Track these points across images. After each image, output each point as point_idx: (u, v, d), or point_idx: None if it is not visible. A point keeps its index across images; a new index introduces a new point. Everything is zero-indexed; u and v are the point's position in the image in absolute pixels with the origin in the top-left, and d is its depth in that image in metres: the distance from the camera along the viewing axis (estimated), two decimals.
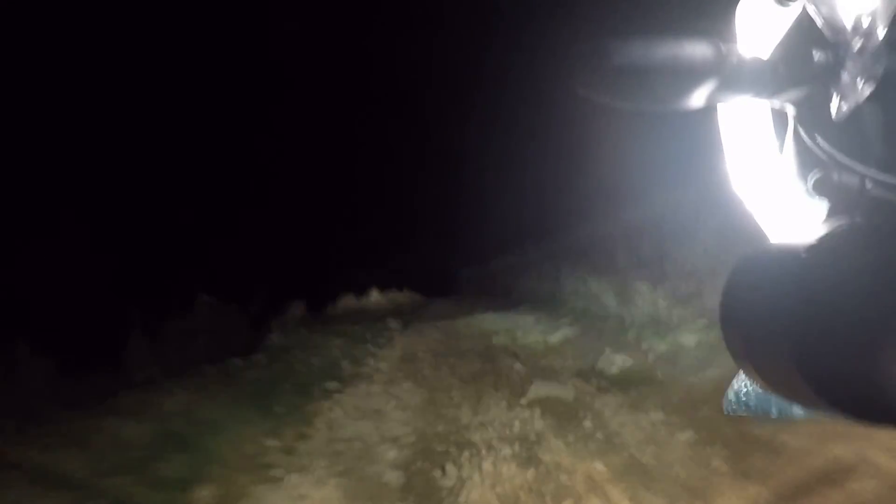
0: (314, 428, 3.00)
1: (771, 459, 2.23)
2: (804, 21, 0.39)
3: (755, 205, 0.47)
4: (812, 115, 0.38)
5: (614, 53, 0.36)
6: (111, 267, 7.63)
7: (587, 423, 2.86)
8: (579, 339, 5.13)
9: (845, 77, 0.35)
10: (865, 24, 0.34)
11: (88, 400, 4.14)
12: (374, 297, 12.08)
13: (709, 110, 0.44)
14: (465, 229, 14.32)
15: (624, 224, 6.56)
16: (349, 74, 13.74)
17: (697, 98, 0.37)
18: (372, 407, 3.43)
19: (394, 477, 2.36)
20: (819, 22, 0.36)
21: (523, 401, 3.42)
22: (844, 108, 0.35)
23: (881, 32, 0.34)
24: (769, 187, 0.46)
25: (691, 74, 0.36)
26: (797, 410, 0.49)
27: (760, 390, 0.51)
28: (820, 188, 0.37)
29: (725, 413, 0.55)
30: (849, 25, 0.35)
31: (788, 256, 0.31)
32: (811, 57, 0.36)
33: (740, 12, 0.45)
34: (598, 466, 2.25)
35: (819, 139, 0.37)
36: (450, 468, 2.42)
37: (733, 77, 0.37)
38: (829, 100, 0.36)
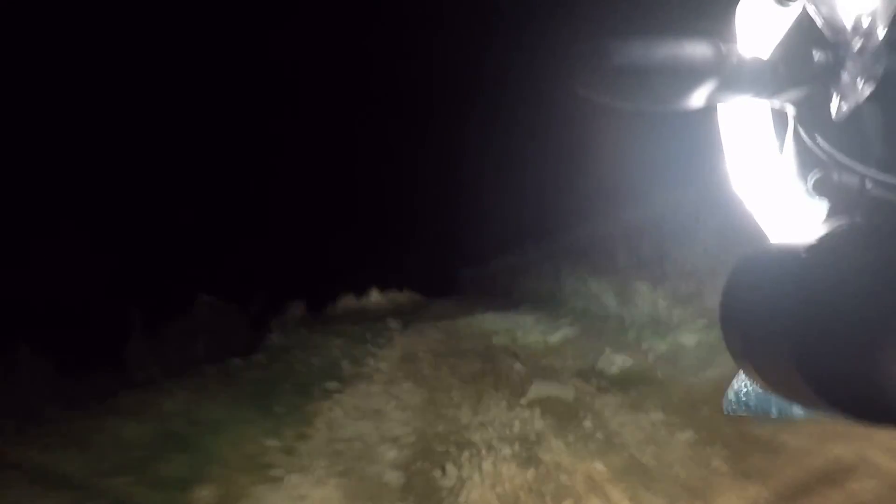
0: (314, 428, 3.00)
1: (771, 459, 2.23)
2: (804, 21, 0.39)
3: (755, 205, 0.47)
4: (812, 115, 0.38)
5: (614, 53, 0.36)
6: (111, 266, 7.63)
7: (587, 423, 2.86)
8: (579, 339, 5.13)
9: (845, 77, 0.35)
10: (865, 24, 0.34)
11: (88, 400, 4.14)
12: (374, 297, 12.07)
13: (709, 110, 0.44)
14: (466, 229, 14.33)
15: (624, 224, 6.56)
16: (349, 74, 13.73)
17: (697, 98, 0.37)
18: (372, 407, 3.43)
19: (394, 477, 2.36)
20: (819, 22, 0.36)
21: (523, 401, 3.42)
22: (844, 108, 0.35)
23: (881, 32, 0.34)
24: (769, 187, 0.46)
25: (691, 74, 0.36)
26: (797, 410, 0.49)
27: (760, 390, 0.51)
28: (820, 188, 0.37)
29: (725, 413, 0.55)
30: (849, 25, 0.35)
31: (788, 256, 0.31)
32: (811, 57, 0.36)
33: (740, 12, 0.45)
34: (598, 466, 2.25)
35: (819, 139, 0.37)
36: (450, 468, 2.42)
37: (733, 77, 0.37)
38: (830, 100, 0.36)
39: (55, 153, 7.97)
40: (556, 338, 5.43)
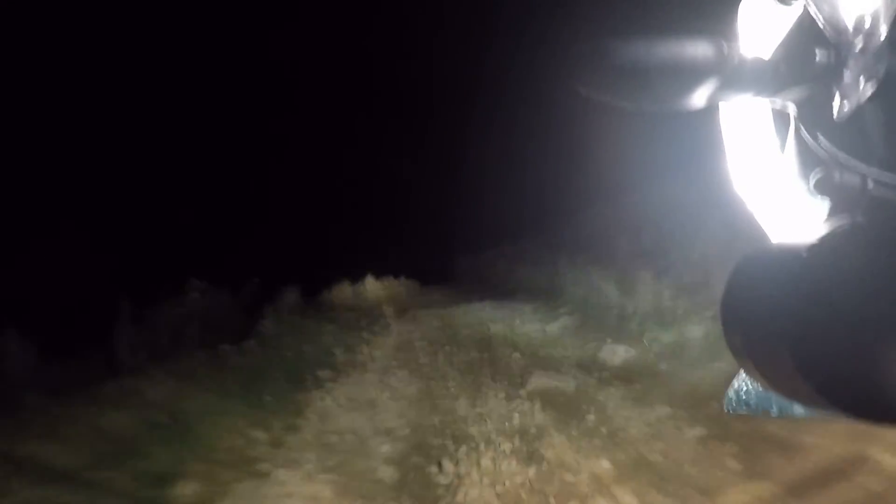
0: (304, 419, 2.85)
1: (786, 457, 2.11)
2: (806, 20, 0.39)
3: (756, 204, 0.47)
4: (814, 114, 0.38)
5: (615, 53, 0.36)
6: (99, 250, 7.43)
7: (590, 417, 2.73)
8: (579, 330, 5.01)
9: (847, 76, 0.35)
10: (867, 24, 0.34)
11: (70, 388, 3.99)
12: (370, 284, 11.93)
13: (711, 109, 0.44)
14: (463, 217, 14.19)
15: (625, 213, 6.43)
16: (349, 72, 13.55)
17: (699, 98, 0.37)
18: (365, 397, 3.29)
19: (387, 473, 2.22)
20: (820, 21, 0.36)
21: (523, 392, 3.30)
22: (846, 107, 0.35)
23: (883, 32, 0.34)
24: (771, 187, 0.45)
25: (692, 74, 0.36)
26: (798, 409, 0.49)
27: (761, 389, 0.51)
28: (821, 188, 0.36)
29: (726, 411, 0.55)
30: (850, 25, 0.35)
31: (790, 256, 0.31)
32: (813, 56, 0.36)
33: (742, 12, 0.44)
34: (605, 464, 2.12)
35: (821, 139, 0.37)
36: (446, 464, 2.29)
37: (734, 77, 0.37)
38: (831, 99, 0.36)
39: (37, 135, 7.71)
40: (554, 327, 5.30)
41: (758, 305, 0.32)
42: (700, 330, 3.59)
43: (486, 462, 2.29)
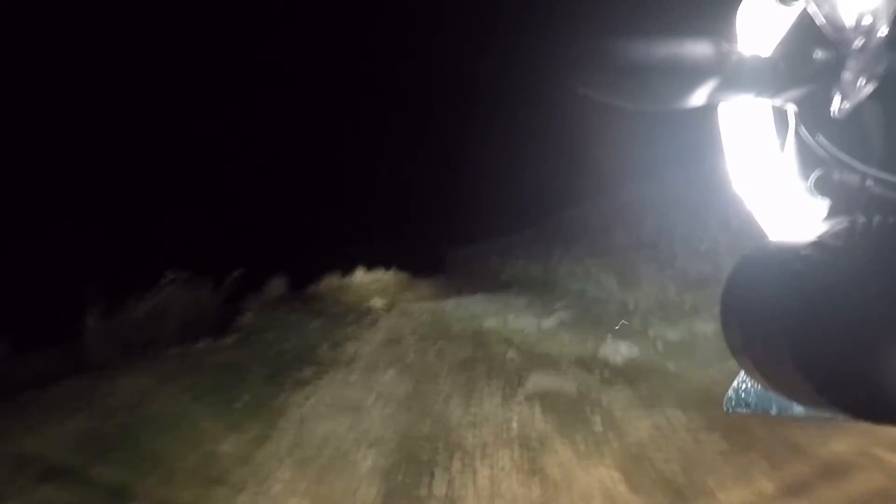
0: (278, 428, 2.56)
1: (821, 473, 1.88)
2: (805, 20, 0.39)
3: (756, 203, 0.47)
4: (813, 113, 0.38)
5: (615, 53, 0.36)
6: (72, 239, 7.05)
7: (596, 424, 2.48)
8: (577, 325, 4.76)
9: (847, 76, 0.35)
10: (867, 23, 0.34)
11: (27, 387, 3.67)
12: (360, 276, 11.60)
13: (711, 107, 0.42)
14: (456, 209, 13.94)
15: (624, 202, 6.19)
16: (348, 70, 13.31)
17: (698, 97, 0.37)
18: (349, 400, 3.01)
19: (370, 494, 1.94)
20: (820, 21, 0.36)
21: (520, 393, 3.04)
22: (846, 106, 0.35)
23: (882, 31, 0.34)
24: (770, 186, 0.45)
25: (692, 73, 0.36)
26: (797, 409, 0.49)
27: (761, 388, 0.50)
28: (821, 187, 0.37)
29: (725, 411, 0.55)
30: (850, 24, 0.35)
31: (789, 255, 0.31)
32: (812, 56, 0.36)
33: (742, 12, 0.44)
34: (620, 487, 1.86)
35: (820, 138, 0.38)
36: (438, 482, 2.01)
37: (734, 76, 0.37)
38: (831, 98, 0.36)
39: (10, 122, 7.27)
40: (550, 322, 5.05)
41: (757, 305, 0.32)
42: (710, 326, 3.35)
43: (482, 478, 2.02)
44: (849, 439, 1.96)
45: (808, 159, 0.39)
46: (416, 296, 8.19)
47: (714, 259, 3.69)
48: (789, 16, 0.41)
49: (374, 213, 14.50)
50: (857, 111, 0.35)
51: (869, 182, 0.35)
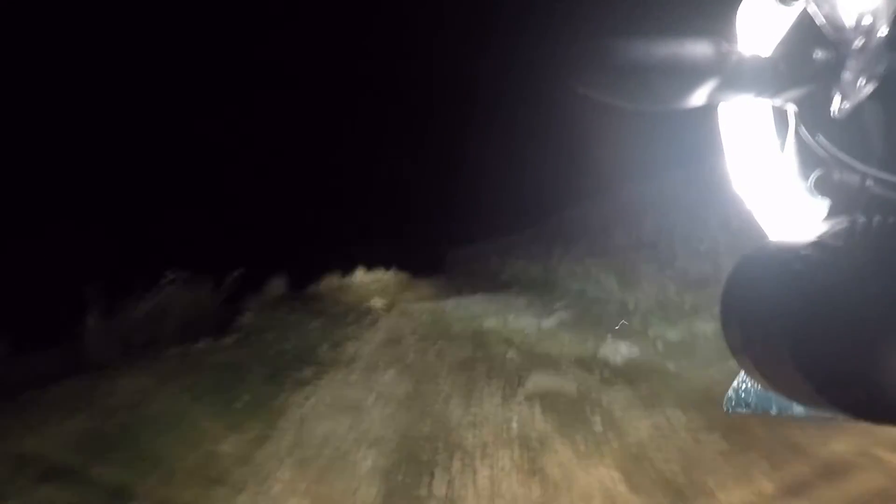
0: (278, 428, 2.56)
1: (821, 473, 1.87)
2: (805, 20, 0.39)
3: (756, 203, 0.47)
4: (813, 113, 0.38)
5: (615, 53, 0.36)
6: (73, 239, 7.04)
7: (596, 424, 2.48)
8: (577, 325, 4.76)
9: (846, 76, 0.35)
10: (867, 23, 0.34)
11: (27, 387, 3.67)
12: (360, 275, 11.59)
13: (711, 107, 0.43)
14: (456, 209, 13.93)
15: (624, 202, 6.19)
16: (348, 69, 13.32)
17: (698, 97, 0.37)
18: (349, 400, 3.01)
19: (370, 494, 1.95)
20: (820, 20, 0.36)
21: (520, 393, 3.04)
22: (846, 106, 0.35)
23: (882, 31, 0.34)
24: (770, 186, 0.45)
25: (692, 73, 0.36)
26: (797, 409, 0.49)
27: (761, 388, 0.50)
28: (821, 187, 0.37)
29: (725, 411, 0.55)
30: (850, 24, 0.35)
31: (789, 255, 0.31)
32: (812, 56, 0.36)
33: (742, 12, 0.44)
34: (620, 486, 1.86)
35: (820, 138, 0.38)
36: (438, 482, 2.01)
37: (734, 76, 0.37)
38: (831, 98, 0.36)
39: (8, 123, 7.26)
40: (550, 322, 5.05)
41: (757, 305, 0.32)
42: (710, 326, 3.35)
43: (482, 478, 2.02)
44: (849, 439, 1.95)
45: (808, 159, 0.39)
46: (416, 296, 8.19)
47: (714, 259, 3.69)
48: (789, 16, 0.41)
49: (374, 213, 14.48)
50: (857, 111, 0.35)
51: (869, 182, 0.34)
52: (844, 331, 0.28)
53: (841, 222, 0.32)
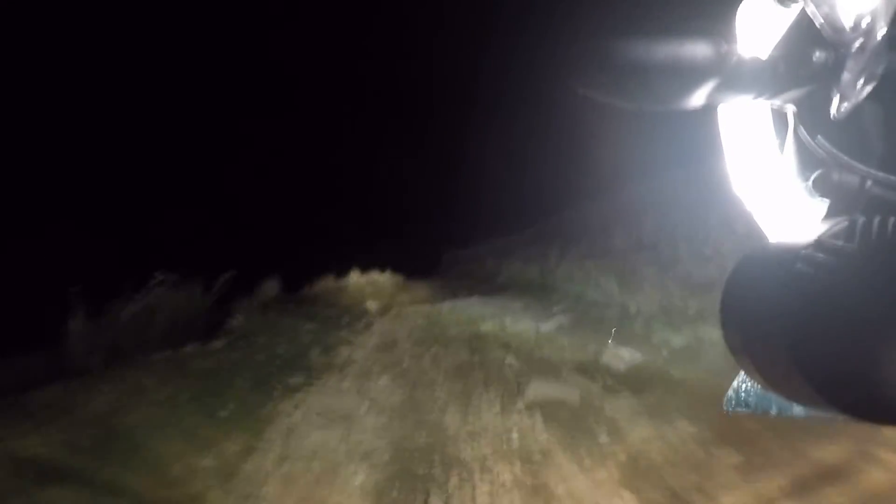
0: (265, 440, 2.41)
1: (821, 473, 1.77)
2: (804, 21, 0.38)
3: (755, 204, 0.47)
4: (812, 114, 0.38)
5: (614, 53, 0.36)
6: (58, 239, 6.87)
7: (602, 436, 2.35)
8: (576, 329, 4.63)
9: (845, 76, 0.35)
10: (865, 24, 0.34)
11: (9, 393, 3.49)
12: (355, 278, 11.44)
13: (711, 107, 0.42)
14: (452, 211, 13.84)
15: (624, 203, 6.08)
16: (347, 70, 13.25)
17: (698, 98, 0.37)
18: (340, 410, 2.86)
19: None
20: (819, 21, 0.36)
21: (520, 402, 2.91)
22: (845, 107, 0.35)
23: (881, 32, 0.34)
24: (769, 187, 0.45)
25: (692, 74, 0.36)
26: (797, 409, 0.48)
27: (761, 389, 0.49)
28: (820, 187, 0.36)
29: (725, 411, 0.54)
30: (849, 25, 0.35)
31: (788, 255, 0.31)
32: (811, 57, 0.36)
33: (742, 12, 0.44)
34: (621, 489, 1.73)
35: (819, 138, 0.37)
36: (434, 500, 1.88)
37: (734, 77, 0.37)
38: (830, 99, 0.36)
39: None
40: (548, 326, 4.92)
41: (757, 305, 0.32)
42: (716, 332, 3.23)
43: (482, 497, 1.89)
44: (849, 439, 1.93)
45: (807, 160, 0.39)
46: (412, 298, 8.05)
47: (719, 262, 3.58)
48: (788, 17, 0.40)
49: (372, 213, 14.37)
50: (856, 112, 0.35)
51: (868, 182, 0.34)
52: (844, 331, 0.28)
53: (840, 223, 0.32)
